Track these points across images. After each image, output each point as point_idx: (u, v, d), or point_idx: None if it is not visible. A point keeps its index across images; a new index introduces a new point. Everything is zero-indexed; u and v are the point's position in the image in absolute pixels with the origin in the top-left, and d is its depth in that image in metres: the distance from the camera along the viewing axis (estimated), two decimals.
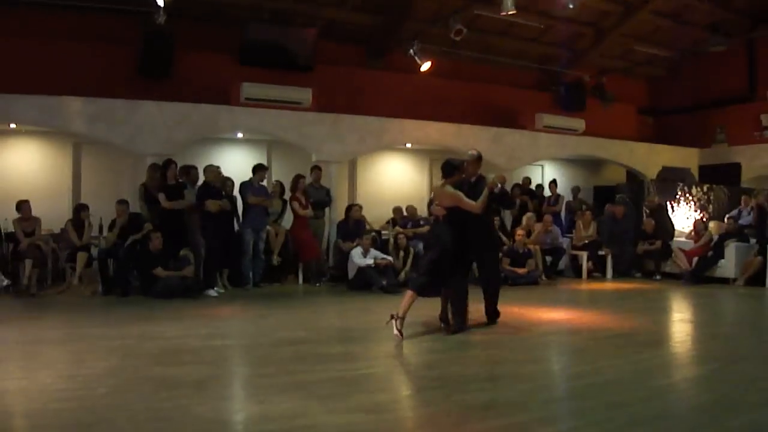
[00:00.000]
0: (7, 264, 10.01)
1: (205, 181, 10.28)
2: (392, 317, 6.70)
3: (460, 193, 7.08)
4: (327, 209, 11.98)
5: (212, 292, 9.81)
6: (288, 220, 11.41)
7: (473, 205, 7.02)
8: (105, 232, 10.37)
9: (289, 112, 12.34)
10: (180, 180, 10.29)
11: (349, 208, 11.94)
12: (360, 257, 10.61)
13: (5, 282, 9.48)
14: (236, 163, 12.19)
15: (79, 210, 10.40)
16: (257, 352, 6.24)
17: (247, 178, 10.88)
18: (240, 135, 12.85)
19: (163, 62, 11.96)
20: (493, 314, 7.70)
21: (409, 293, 6.81)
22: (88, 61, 11.65)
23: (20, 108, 10.51)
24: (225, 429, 4.15)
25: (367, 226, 11.86)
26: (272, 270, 11.07)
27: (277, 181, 11.69)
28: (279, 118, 12.21)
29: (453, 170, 7.22)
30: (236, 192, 10.83)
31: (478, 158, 7.70)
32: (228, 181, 10.75)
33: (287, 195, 11.41)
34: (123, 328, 7.37)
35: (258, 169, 10.94)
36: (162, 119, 11.25)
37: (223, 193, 10.40)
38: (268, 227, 10.87)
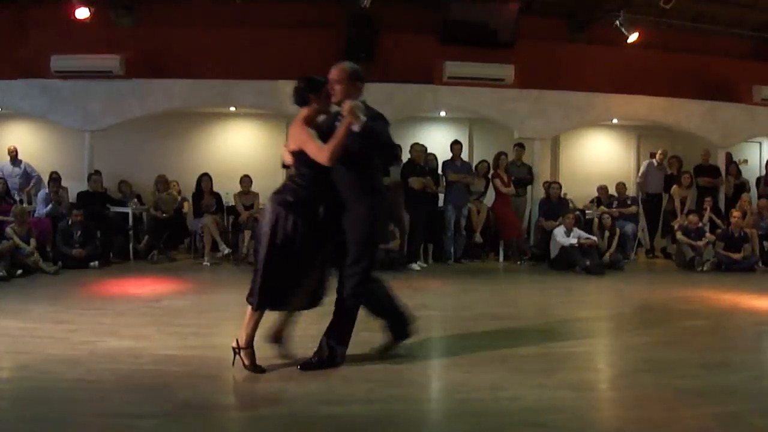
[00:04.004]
0: (227, 234, 11.01)
1: (409, 159, 10.59)
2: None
3: (308, 130, 4.54)
4: (529, 187, 11.86)
5: (415, 266, 10.11)
6: (489, 197, 11.43)
7: (317, 148, 4.44)
8: None
9: (491, 89, 12.29)
10: None
11: (548, 186, 11.74)
12: (563, 236, 10.40)
13: (226, 250, 10.45)
14: (438, 141, 12.36)
15: None
16: (460, 325, 6.34)
17: (449, 156, 11.05)
18: (443, 113, 13.02)
19: (368, 45, 12.35)
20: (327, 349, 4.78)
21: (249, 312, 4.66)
22: (299, 47, 12.32)
23: (239, 92, 11.57)
24: (434, 393, 4.30)
25: (570, 205, 11.59)
26: (473, 247, 11.17)
27: (483, 161, 11.72)
28: (481, 96, 12.22)
29: (308, 91, 4.65)
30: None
31: (351, 75, 4.64)
32: (431, 159, 10.95)
33: (489, 173, 11.42)
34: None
35: (453, 144, 11.16)
36: (367, 99, 11.61)
37: (427, 170, 10.63)
38: (469, 204, 10.97)
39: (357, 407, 3.96)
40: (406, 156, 10.84)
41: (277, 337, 4.81)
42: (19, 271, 8.91)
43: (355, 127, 4.34)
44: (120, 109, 11.52)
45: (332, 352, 4.70)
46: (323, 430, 3.66)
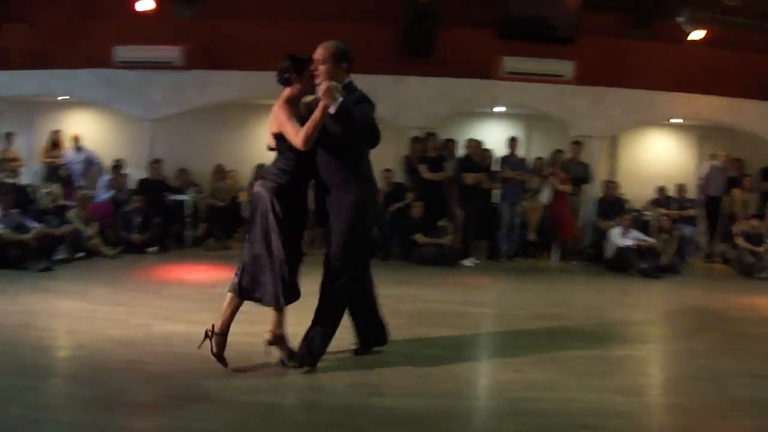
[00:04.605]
0: None
1: (465, 154, 10.56)
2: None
3: (287, 112, 4.38)
4: (586, 186, 11.67)
5: (468, 262, 10.06)
6: (545, 195, 11.27)
7: (294, 132, 4.32)
8: None
9: (550, 85, 12.12)
10: (440, 152, 10.65)
11: (606, 185, 11.53)
12: (619, 237, 10.20)
13: None
14: (495, 137, 12.24)
15: None
16: (512, 323, 6.30)
17: (505, 152, 10.95)
18: (500, 109, 12.91)
19: (426, 39, 12.32)
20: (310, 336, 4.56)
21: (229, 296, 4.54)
22: (357, 40, 12.20)
23: None
24: (483, 390, 4.28)
25: (627, 205, 11.37)
26: (527, 245, 11.05)
27: (539, 157, 11.58)
28: (539, 92, 12.07)
29: (291, 71, 4.49)
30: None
31: (336, 54, 4.47)
32: (487, 155, 10.86)
33: (546, 170, 11.27)
34: (385, 288, 7.76)
35: (510, 140, 11.08)
36: (424, 94, 11.75)
37: (482, 166, 10.55)
38: (524, 202, 10.86)
39: (407, 400, 3.98)
40: (461, 151, 10.79)
41: (280, 337, 4.53)
42: (81, 254, 9.20)
43: (331, 109, 4.19)
44: (180, 99, 11.75)
45: (310, 345, 4.49)
46: (375, 421, 3.69)
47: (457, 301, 7.31)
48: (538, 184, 11.19)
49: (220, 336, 4.40)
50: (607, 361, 5.05)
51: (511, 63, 12.11)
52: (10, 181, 10.29)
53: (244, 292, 4.41)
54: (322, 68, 4.37)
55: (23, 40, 13.07)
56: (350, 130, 4.31)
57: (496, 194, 10.87)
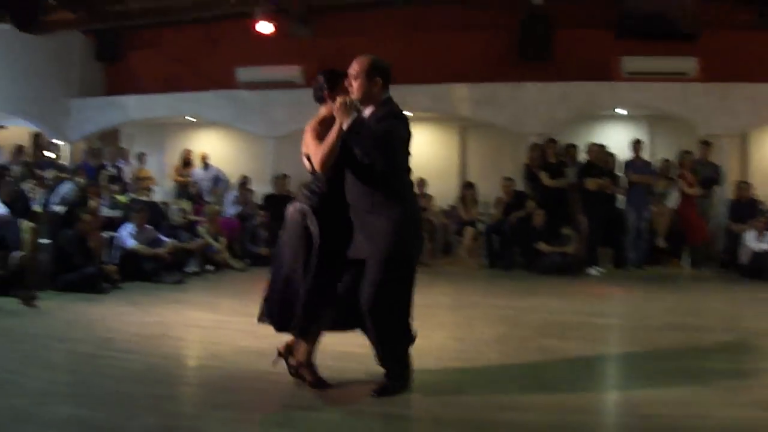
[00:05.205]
0: None
1: (587, 160, 10.33)
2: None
3: (314, 132, 4.12)
4: (716, 188, 11.15)
5: (593, 271, 9.82)
6: (673, 199, 10.88)
7: (314, 152, 4.07)
8: (491, 209, 11.03)
9: (673, 84, 11.69)
10: (561, 159, 10.49)
11: (738, 187, 10.99)
12: (754, 241, 9.69)
13: None
14: (616, 140, 11.91)
15: (466, 188, 11.30)
16: (643, 335, 6.07)
17: (628, 156, 10.65)
18: (621, 111, 12.56)
19: (542, 44, 12.19)
20: (387, 368, 4.26)
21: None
22: (471, 49, 12.42)
23: (415, 97, 11.74)
24: (613, 406, 4.17)
25: (762, 207, 10.79)
26: (656, 252, 10.66)
27: (665, 159, 11.17)
28: (662, 91, 11.66)
29: (323, 87, 4.24)
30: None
31: (369, 69, 4.12)
32: (610, 159, 10.59)
33: (673, 173, 10.87)
34: (508, 299, 7.83)
35: (634, 143, 10.75)
36: (543, 99, 11.63)
37: (605, 171, 10.29)
38: (651, 206, 10.51)
39: (536, 415, 3.89)
40: (583, 156, 10.58)
41: (306, 364, 4.26)
42: (211, 267, 9.67)
43: (344, 125, 3.89)
44: (301, 116, 11.84)
45: (395, 374, 4.22)
46: None
47: (584, 311, 7.12)
48: (665, 187, 10.81)
49: (306, 366, 4.24)
50: (746, 374, 4.79)
51: (631, 63, 11.82)
52: (144, 198, 10.85)
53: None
54: (355, 84, 4.10)
55: (152, 66, 13.88)
56: (363, 149, 3.95)
57: (621, 200, 10.58)
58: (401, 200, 4.13)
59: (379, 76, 4.12)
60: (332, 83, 4.20)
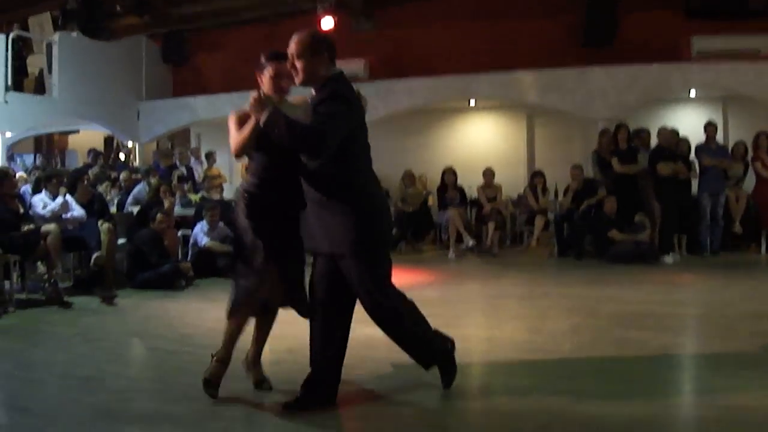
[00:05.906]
0: (471, 226, 11.18)
1: (658, 144, 10.06)
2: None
3: (234, 116, 3.85)
4: None
5: (668, 259, 9.56)
6: (749, 183, 10.51)
7: (231, 140, 3.83)
8: (560, 197, 10.89)
9: (747, 63, 11.26)
10: (632, 144, 10.26)
11: None
12: None
13: (471, 243, 10.63)
14: (689, 123, 11.59)
15: (535, 176, 11.21)
16: (721, 324, 5.85)
17: (701, 140, 10.33)
18: (692, 93, 12.20)
19: (607, 27, 11.96)
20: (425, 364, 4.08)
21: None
22: (536, 36, 12.30)
23: (479, 85, 11.76)
24: (694, 396, 4.08)
25: None
26: (732, 238, 10.32)
27: (740, 142, 10.79)
28: (735, 71, 11.22)
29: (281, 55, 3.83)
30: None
31: (313, 44, 3.74)
32: (681, 143, 10.30)
33: (749, 155, 10.49)
34: (580, 288, 7.70)
35: (707, 126, 10.39)
36: (611, 84, 11.39)
37: (678, 155, 10.01)
38: (727, 191, 10.18)
39: (613, 407, 3.79)
40: (654, 141, 10.31)
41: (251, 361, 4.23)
42: None
43: (261, 122, 3.53)
44: (367, 110, 12.11)
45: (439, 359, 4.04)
46: (582, 429, 3.55)
47: (659, 300, 6.93)
48: (740, 170, 10.46)
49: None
50: None
51: (701, 43, 11.54)
52: (215, 197, 11.05)
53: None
54: (299, 64, 3.68)
55: (216, 66, 14.18)
56: (287, 143, 3.54)
57: (695, 185, 10.26)
58: (354, 194, 3.71)
59: (325, 51, 3.74)
60: (260, 65, 3.92)
